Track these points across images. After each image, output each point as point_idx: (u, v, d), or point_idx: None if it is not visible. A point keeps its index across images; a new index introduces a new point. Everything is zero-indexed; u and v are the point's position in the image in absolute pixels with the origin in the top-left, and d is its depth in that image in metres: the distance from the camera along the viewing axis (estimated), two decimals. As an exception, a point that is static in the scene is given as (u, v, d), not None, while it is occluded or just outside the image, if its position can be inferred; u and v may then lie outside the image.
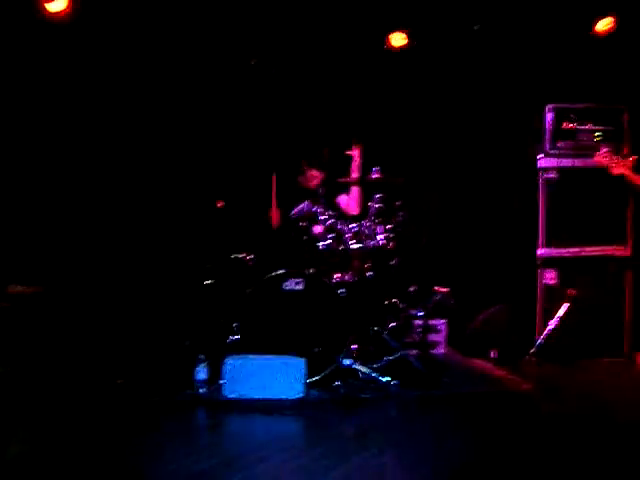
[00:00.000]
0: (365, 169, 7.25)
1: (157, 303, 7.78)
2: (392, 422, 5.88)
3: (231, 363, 6.17)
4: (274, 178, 7.34)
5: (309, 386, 6.24)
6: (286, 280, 6.54)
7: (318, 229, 6.87)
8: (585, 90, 8.08)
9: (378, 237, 6.92)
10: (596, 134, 7.85)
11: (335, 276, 6.85)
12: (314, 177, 7.42)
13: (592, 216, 7.81)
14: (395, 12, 8.22)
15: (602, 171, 6.54)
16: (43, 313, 7.18)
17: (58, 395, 6.17)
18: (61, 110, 8.06)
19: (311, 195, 7.13)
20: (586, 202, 7.81)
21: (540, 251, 7.79)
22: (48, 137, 8.04)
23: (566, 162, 7.79)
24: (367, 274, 6.97)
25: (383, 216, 6.99)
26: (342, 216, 7.11)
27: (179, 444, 5.17)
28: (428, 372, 6.75)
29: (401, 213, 7.05)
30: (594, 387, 6.74)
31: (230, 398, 6.10)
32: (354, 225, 6.89)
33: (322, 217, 6.83)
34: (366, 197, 7.31)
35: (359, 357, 6.63)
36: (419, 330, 7.36)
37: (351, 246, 6.86)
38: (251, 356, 6.24)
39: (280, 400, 6.04)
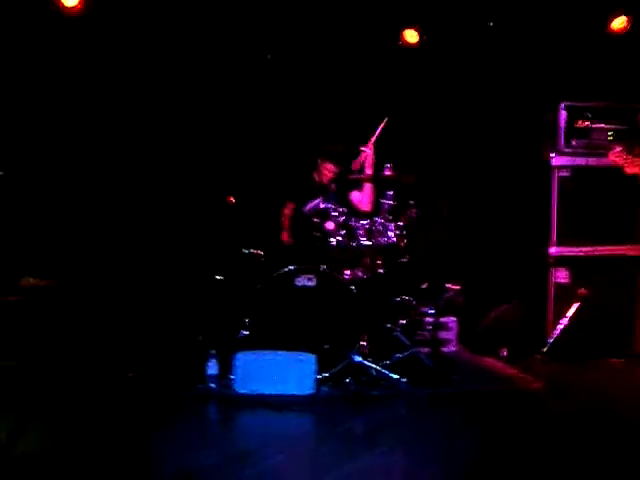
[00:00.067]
0: (378, 166, 7.24)
1: (169, 298, 7.79)
2: (402, 420, 5.89)
3: (242, 358, 6.19)
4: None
5: (319, 382, 6.25)
6: (298, 276, 6.54)
7: (330, 225, 6.85)
8: (599, 88, 8.05)
9: (390, 234, 6.91)
10: (610, 133, 7.81)
11: (347, 273, 6.85)
12: (329, 171, 7.41)
13: (605, 215, 7.79)
14: (409, 9, 8.20)
15: (615, 170, 6.52)
16: (55, 306, 7.21)
17: (70, 388, 6.20)
18: (75, 103, 8.08)
19: (324, 191, 7.12)
20: (599, 201, 7.78)
21: (552, 250, 7.77)
22: (62, 132, 8.06)
23: (580, 161, 7.77)
24: (378, 271, 6.97)
25: (395, 213, 6.98)
26: (354, 213, 7.10)
27: (189, 439, 5.20)
28: (438, 370, 6.75)
29: (413, 210, 7.04)
30: (604, 386, 6.73)
31: (241, 393, 6.11)
32: (366, 222, 6.88)
33: (334, 213, 6.83)
34: (378, 194, 7.31)
35: (370, 354, 6.63)
36: (430, 328, 7.35)
37: (363, 243, 6.85)
38: (262, 352, 6.25)
39: (290, 396, 6.05)
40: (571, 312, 7.63)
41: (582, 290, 7.69)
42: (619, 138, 7.70)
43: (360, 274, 6.90)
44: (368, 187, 7.45)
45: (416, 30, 8.27)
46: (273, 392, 6.07)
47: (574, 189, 7.77)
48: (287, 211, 7.51)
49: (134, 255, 8.07)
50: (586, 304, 7.66)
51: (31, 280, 7.22)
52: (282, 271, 6.55)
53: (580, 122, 7.82)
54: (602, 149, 7.31)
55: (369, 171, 7.33)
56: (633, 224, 7.78)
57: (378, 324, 6.94)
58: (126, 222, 8.11)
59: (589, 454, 4.97)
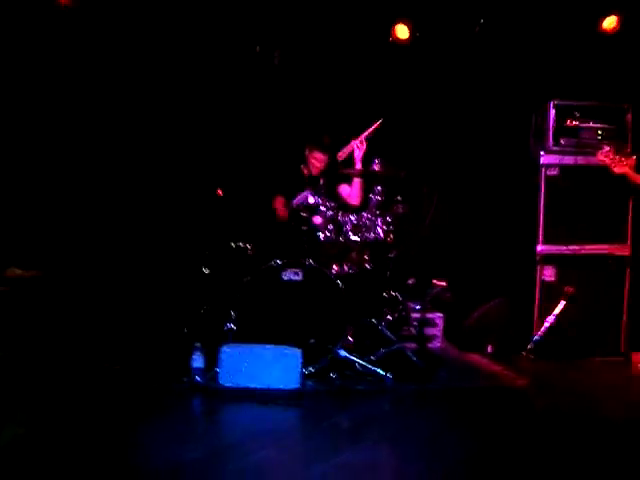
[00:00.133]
0: (367, 160, 7.23)
1: (155, 290, 7.78)
2: (387, 415, 5.90)
3: (227, 352, 6.17)
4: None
5: (305, 377, 6.25)
6: (285, 270, 6.53)
7: (318, 220, 6.85)
8: (589, 88, 8.06)
9: (377, 229, 6.91)
10: (599, 132, 7.82)
11: (334, 267, 6.85)
12: (318, 161, 7.40)
13: (592, 214, 7.80)
14: (400, 4, 8.20)
15: (604, 169, 6.54)
16: (42, 297, 7.18)
17: (55, 380, 6.18)
18: (59, 94, 8.05)
19: (313, 185, 7.11)
20: (587, 200, 7.79)
21: (539, 247, 7.78)
22: (46, 123, 8.03)
23: (568, 159, 7.77)
24: (366, 266, 6.97)
25: (383, 208, 6.98)
26: (343, 207, 7.09)
27: (174, 432, 5.20)
28: (424, 366, 6.76)
29: (401, 206, 7.04)
30: (589, 385, 6.75)
31: (226, 387, 6.10)
32: (354, 217, 6.87)
33: (322, 208, 6.82)
34: (367, 189, 7.31)
35: (355, 349, 6.63)
36: (416, 323, 7.37)
37: (350, 238, 6.85)
38: (248, 345, 6.24)
39: (276, 390, 6.04)
40: (557, 310, 7.64)
41: (569, 288, 7.70)
42: (608, 137, 7.71)
43: (347, 269, 6.90)
44: (357, 181, 7.44)
45: (407, 26, 8.26)
46: (258, 386, 6.06)
47: (562, 188, 7.77)
48: (278, 205, 7.49)
49: (121, 247, 8.05)
50: (573, 302, 7.67)
51: (17, 271, 7.19)
52: (269, 265, 6.53)
53: (569, 121, 7.82)
54: (591, 148, 7.32)
55: (359, 165, 7.32)
56: (621, 223, 7.79)
57: (364, 319, 6.93)
58: (113, 214, 8.09)
59: (572, 452, 5.00)
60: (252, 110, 8.34)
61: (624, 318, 7.76)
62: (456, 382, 6.69)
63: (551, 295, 7.74)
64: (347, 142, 7.30)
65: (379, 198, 6.94)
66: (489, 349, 7.70)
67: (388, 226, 6.96)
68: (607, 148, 6.50)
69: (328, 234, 6.82)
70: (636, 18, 8.01)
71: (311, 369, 6.34)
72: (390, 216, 6.98)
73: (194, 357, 6.30)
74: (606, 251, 7.78)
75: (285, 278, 6.54)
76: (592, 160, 6.90)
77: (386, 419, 5.77)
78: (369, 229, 6.88)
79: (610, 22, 8.09)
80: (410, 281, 7.60)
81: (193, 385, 6.18)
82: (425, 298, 7.50)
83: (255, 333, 6.38)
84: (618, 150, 6.62)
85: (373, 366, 6.51)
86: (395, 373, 6.45)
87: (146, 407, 5.72)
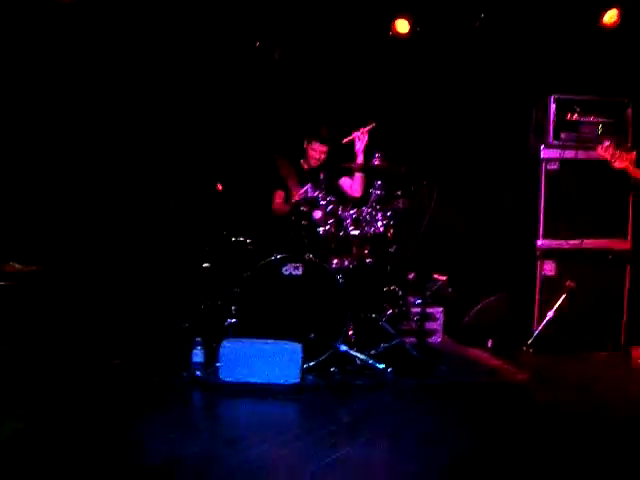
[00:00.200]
0: (367, 155, 7.24)
1: (155, 285, 7.78)
2: (387, 410, 5.88)
3: (228, 346, 6.17)
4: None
5: (305, 371, 6.25)
6: (285, 265, 6.53)
7: (318, 214, 6.84)
8: (589, 82, 8.05)
9: (377, 224, 6.92)
10: (599, 126, 7.81)
11: (334, 262, 6.84)
12: (316, 152, 7.40)
13: (593, 208, 7.80)
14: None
15: (604, 164, 6.53)
16: (41, 292, 7.18)
17: (54, 375, 6.19)
18: (58, 91, 8.04)
19: (313, 179, 7.10)
20: (587, 194, 7.79)
21: (540, 242, 7.77)
22: (45, 119, 8.02)
23: (568, 154, 7.76)
24: (366, 261, 6.97)
25: (383, 203, 6.98)
26: (343, 201, 7.08)
27: (174, 426, 5.20)
28: (424, 360, 6.76)
29: (401, 200, 7.04)
30: (589, 379, 6.75)
31: (226, 381, 6.10)
32: (354, 211, 6.88)
33: (323, 202, 6.82)
34: (367, 183, 7.31)
35: (356, 343, 6.65)
36: (416, 318, 7.35)
37: (351, 232, 6.85)
38: (248, 340, 6.23)
39: (276, 385, 6.04)
40: (558, 304, 7.64)
41: (569, 283, 7.70)
42: (608, 132, 7.70)
43: (347, 263, 6.89)
44: (359, 174, 7.45)
45: (407, 20, 8.25)
46: (259, 380, 6.06)
47: (562, 182, 7.77)
48: (277, 199, 7.49)
49: (121, 242, 8.05)
50: (573, 297, 7.67)
51: (17, 266, 7.18)
52: (269, 259, 6.53)
53: (569, 115, 7.81)
54: (591, 142, 7.31)
55: (360, 158, 7.31)
56: (621, 218, 7.80)
57: (364, 314, 6.93)
58: (114, 209, 8.09)
59: (572, 446, 5.00)
60: (252, 105, 8.33)
61: (624, 312, 7.76)
62: (456, 377, 6.69)
63: (551, 290, 7.74)
64: (346, 136, 7.31)
65: (379, 192, 6.95)
66: (489, 344, 7.70)
67: (388, 221, 6.97)
68: (607, 143, 6.48)
69: (328, 228, 6.82)
70: (636, 12, 7.99)
71: (311, 364, 6.34)
72: (390, 211, 6.98)
73: (194, 352, 6.29)
74: (606, 246, 7.78)
75: (285, 273, 6.54)
76: (592, 154, 6.89)
77: (386, 414, 5.76)
78: (369, 223, 6.89)
79: (611, 16, 8.07)
80: (410, 276, 7.60)
81: (193, 380, 6.18)
82: (425, 293, 7.49)
83: (255, 328, 6.38)
84: (618, 145, 6.61)
85: (373, 361, 6.51)
86: (395, 368, 6.46)
87: (146, 402, 5.73)
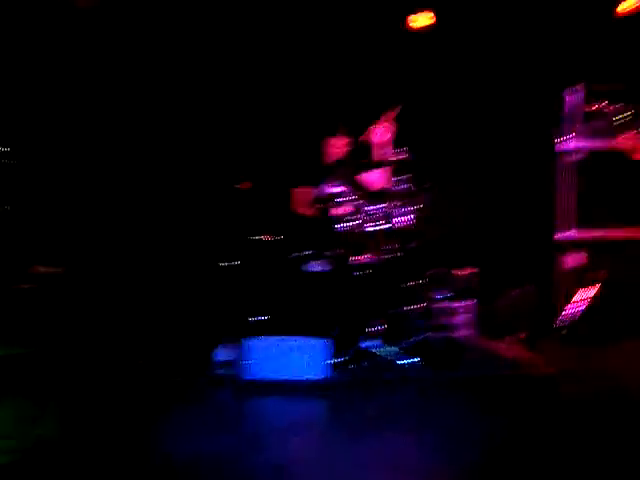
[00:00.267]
0: (389, 150, 7.22)
1: (181, 284, 7.81)
2: (413, 404, 5.87)
3: (254, 344, 6.19)
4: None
5: (331, 367, 6.24)
6: (309, 261, 6.54)
7: (342, 210, 6.84)
8: (615, 71, 7.96)
9: (403, 218, 6.90)
10: (625, 115, 7.74)
11: (358, 258, 6.83)
12: (336, 147, 7.38)
13: (621, 198, 7.72)
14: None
15: (625, 153, 6.47)
16: (65, 293, 7.24)
17: (81, 376, 6.23)
18: (86, 91, 8.09)
19: (337, 175, 7.10)
20: (615, 184, 7.72)
21: (567, 233, 7.72)
22: (68, 120, 8.09)
23: (593, 144, 7.70)
24: (391, 255, 6.95)
25: (408, 198, 6.96)
26: (367, 196, 7.06)
27: (201, 424, 5.22)
28: (451, 354, 6.74)
29: (426, 195, 7.02)
30: (620, 370, 6.66)
31: (252, 379, 6.12)
32: (379, 206, 6.86)
33: (346, 198, 6.81)
34: (390, 178, 7.29)
35: (382, 339, 6.63)
36: (443, 312, 7.33)
37: (375, 227, 6.84)
38: (274, 337, 6.25)
39: (302, 381, 6.05)
40: (587, 295, 7.58)
41: (598, 273, 7.63)
42: (632, 121, 7.62)
43: (372, 259, 6.88)
44: (381, 168, 7.43)
45: (429, 12, 8.21)
46: (284, 377, 6.07)
47: (588, 172, 7.71)
48: (300, 197, 7.49)
49: (145, 242, 8.08)
50: (602, 287, 7.60)
51: (42, 268, 7.24)
52: (293, 257, 6.54)
53: (595, 105, 7.74)
54: (615, 132, 7.25)
55: (383, 152, 7.27)
56: (650, 206, 7.72)
57: (391, 309, 6.92)
58: (138, 209, 8.13)
59: (601, 439, 4.95)
60: (275, 102, 8.34)
61: (655, 302, 7.68)
62: (483, 370, 6.66)
63: (580, 280, 7.67)
64: (367, 131, 7.29)
65: (402, 187, 6.93)
66: (517, 336, 7.65)
67: (413, 215, 6.94)
68: (630, 132, 6.43)
69: (352, 224, 6.81)
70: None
71: (337, 359, 6.34)
72: (415, 205, 6.96)
73: (219, 350, 6.32)
74: (634, 235, 7.70)
75: (310, 269, 6.54)
76: (612, 145, 6.84)
77: (412, 408, 5.74)
78: (393, 219, 6.87)
79: (631, 3, 7.98)
80: (436, 270, 7.57)
81: (218, 378, 6.20)
82: (451, 287, 7.46)
83: (281, 325, 6.40)
84: None
85: (399, 355, 6.50)
86: (421, 362, 6.45)
87: (172, 400, 5.75)
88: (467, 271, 7.73)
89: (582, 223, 7.69)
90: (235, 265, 7.30)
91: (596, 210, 7.68)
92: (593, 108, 7.70)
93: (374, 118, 7.36)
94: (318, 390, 6.00)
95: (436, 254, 7.49)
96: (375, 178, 7.46)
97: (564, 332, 7.51)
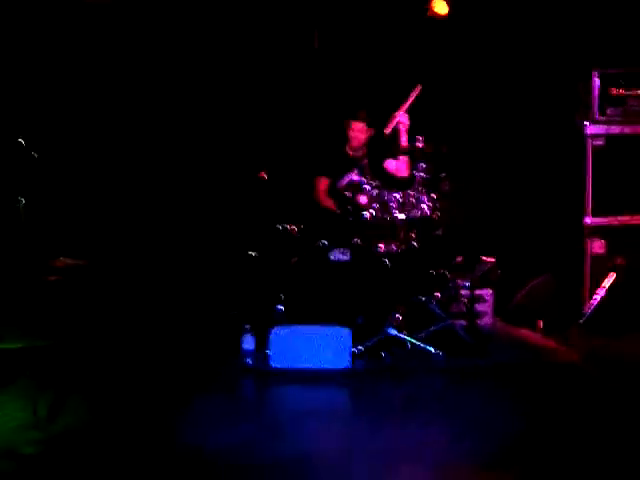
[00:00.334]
0: (410, 137, 7.20)
1: (204, 274, 7.84)
2: (438, 392, 5.88)
3: (277, 333, 6.20)
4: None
5: (355, 356, 6.25)
6: (332, 250, 6.55)
7: (363, 199, 6.84)
8: (633, 54, 7.91)
9: (423, 207, 6.89)
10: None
11: (380, 246, 6.83)
12: (357, 131, 7.35)
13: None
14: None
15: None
16: (90, 285, 7.27)
17: (105, 367, 6.26)
18: (112, 83, 8.12)
19: (358, 164, 7.09)
20: (635, 170, 7.67)
21: (588, 220, 7.68)
22: (93, 113, 8.11)
23: (614, 129, 7.65)
24: (412, 244, 6.94)
25: (428, 185, 6.95)
26: (388, 184, 7.04)
27: (226, 413, 5.25)
28: (474, 342, 6.74)
29: (446, 182, 7.01)
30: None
31: (276, 368, 6.14)
32: (399, 195, 6.85)
33: (367, 187, 6.81)
34: (411, 166, 7.28)
35: (405, 327, 6.64)
36: (465, 300, 7.31)
37: (396, 216, 6.83)
38: (297, 326, 6.26)
39: (326, 370, 6.07)
40: (608, 283, 7.55)
41: (619, 260, 7.60)
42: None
43: (394, 247, 6.87)
44: (403, 155, 7.41)
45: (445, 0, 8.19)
46: (308, 366, 6.09)
47: (609, 158, 7.66)
48: (322, 187, 7.49)
49: (169, 232, 8.11)
50: (623, 275, 7.57)
51: (67, 260, 7.27)
52: (316, 245, 6.55)
53: (614, 90, 7.70)
54: (638, 117, 7.21)
55: (404, 139, 7.25)
56: (671, 192, 7.67)
57: (413, 297, 6.91)
58: (161, 199, 8.15)
59: (625, 428, 4.94)
60: (296, 92, 8.34)
61: (676, 289, 7.64)
62: (506, 358, 6.66)
63: (601, 268, 7.64)
64: (389, 116, 7.26)
65: (424, 175, 6.92)
66: (539, 324, 7.63)
67: (434, 203, 6.94)
68: None
69: (374, 213, 6.81)
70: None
71: (361, 348, 6.34)
72: (436, 193, 6.96)
73: (244, 339, 6.35)
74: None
75: (333, 258, 6.55)
76: (639, 129, 6.79)
77: (437, 396, 5.75)
78: (415, 207, 6.87)
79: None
80: (458, 258, 7.56)
81: (244, 367, 6.23)
82: (474, 274, 7.44)
83: (304, 314, 6.41)
84: None
85: (423, 344, 6.51)
86: (445, 350, 6.45)
87: (197, 389, 5.77)
88: (490, 259, 7.72)
89: (605, 209, 7.65)
90: (259, 254, 7.31)
91: (619, 196, 7.64)
92: (618, 92, 7.65)
93: (395, 105, 7.34)
94: (343, 378, 6.01)
95: (459, 242, 7.48)
96: (397, 166, 7.45)
97: (586, 320, 7.48)
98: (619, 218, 7.67)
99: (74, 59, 7.99)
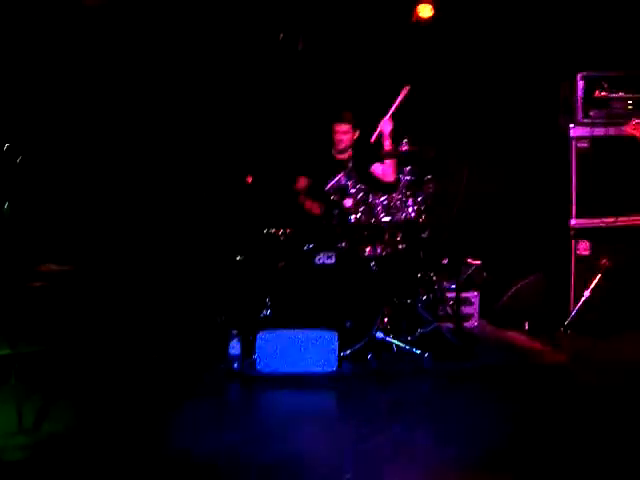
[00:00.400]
0: (395, 141, 7.20)
1: (190, 279, 7.82)
2: (425, 395, 5.89)
3: (264, 338, 6.20)
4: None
5: (342, 360, 6.25)
6: (317, 254, 6.54)
7: (349, 203, 6.84)
8: (617, 57, 7.94)
9: (409, 210, 6.90)
10: (629, 102, 7.72)
11: (366, 249, 6.84)
12: (342, 132, 7.34)
13: (626, 185, 7.69)
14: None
15: (635, 140, 6.45)
16: (77, 290, 7.25)
17: (94, 371, 6.24)
18: (90, 84, 8.09)
19: (344, 168, 7.08)
20: (619, 171, 7.68)
21: (573, 221, 7.70)
22: (77, 115, 8.09)
23: (598, 131, 7.68)
24: (398, 247, 6.95)
25: (414, 188, 6.96)
26: (374, 188, 7.05)
27: (212, 418, 5.25)
28: (461, 344, 6.74)
29: (431, 185, 7.02)
30: (629, 359, 6.67)
31: (263, 372, 6.13)
32: (385, 198, 6.86)
33: (353, 190, 6.81)
34: (397, 169, 7.28)
35: (392, 330, 6.64)
36: (452, 303, 7.34)
37: (382, 219, 6.84)
38: (284, 330, 6.25)
39: (313, 374, 6.06)
40: (594, 284, 7.57)
41: (605, 262, 7.62)
42: (638, 108, 7.61)
43: (380, 251, 6.88)
44: (389, 159, 7.42)
45: (430, 4, 8.19)
46: (295, 370, 6.08)
47: (594, 160, 7.68)
48: (300, 185, 7.49)
49: (154, 237, 8.09)
50: (609, 276, 7.59)
51: (53, 266, 7.25)
52: (302, 250, 6.54)
53: (598, 92, 7.72)
54: (621, 119, 7.23)
55: (388, 143, 7.25)
56: (654, 194, 7.70)
57: (399, 300, 6.92)
58: (145, 204, 8.13)
59: (613, 429, 4.95)
60: (281, 96, 8.33)
61: (662, 289, 7.66)
62: (494, 360, 6.67)
63: (587, 269, 7.66)
64: (375, 117, 7.26)
65: (409, 178, 6.93)
66: (526, 326, 7.64)
67: (419, 206, 6.95)
68: (636, 120, 6.41)
69: (359, 216, 6.81)
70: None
71: (348, 352, 6.34)
72: (421, 196, 6.97)
73: (231, 344, 6.33)
74: (642, 222, 7.69)
75: (318, 262, 6.55)
76: (623, 131, 6.81)
77: (424, 399, 5.76)
78: (400, 210, 6.88)
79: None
80: (444, 261, 7.57)
81: (231, 372, 6.21)
82: (460, 277, 7.46)
83: (291, 318, 6.40)
84: None
85: (410, 347, 6.51)
86: (432, 353, 6.46)
87: (184, 394, 5.77)
88: (476, 261, 7.74)
89: (590, 211, 7.67)
90: (245, 259, 7.30)
91: (604, 197, 7.66)
92: (601, 95, 7.68)
93: (381, 106, 7.34)
94: (330, 382, 6.01)
95: (444, 244, 7.49)
96: (384, 170, 7.46)
97: (573, 321, 7.50)
98: (604, 220, 7.69)
99: (61, 64, 7.96)
